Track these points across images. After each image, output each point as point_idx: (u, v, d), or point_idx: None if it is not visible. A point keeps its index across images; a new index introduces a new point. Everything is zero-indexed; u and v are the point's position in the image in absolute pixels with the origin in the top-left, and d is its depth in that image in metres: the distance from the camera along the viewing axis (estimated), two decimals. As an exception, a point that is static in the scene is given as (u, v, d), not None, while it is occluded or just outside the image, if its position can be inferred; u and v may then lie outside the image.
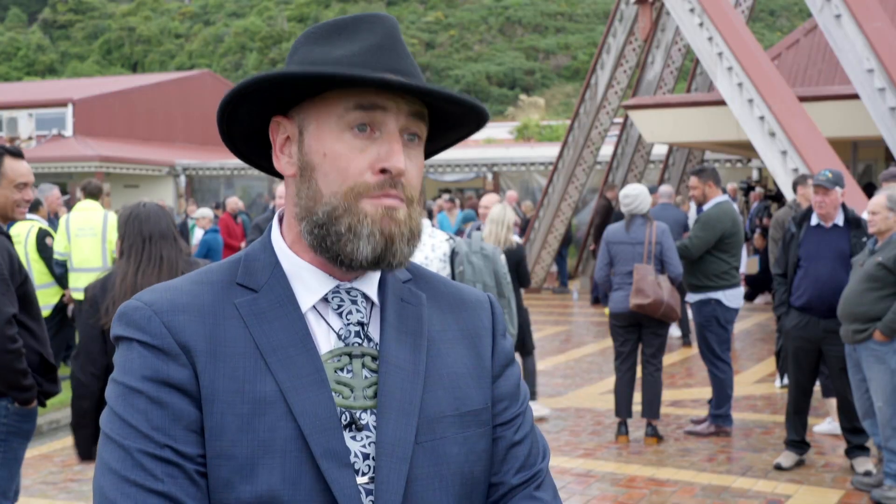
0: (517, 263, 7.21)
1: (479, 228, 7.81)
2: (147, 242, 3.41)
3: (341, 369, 1.24)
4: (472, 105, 1.27)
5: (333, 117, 1.22)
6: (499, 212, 7.20)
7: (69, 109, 29.73)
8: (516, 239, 7.39)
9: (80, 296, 7.67)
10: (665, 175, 17.63)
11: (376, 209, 1.22)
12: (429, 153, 1.38)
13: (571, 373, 9.64)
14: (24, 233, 8.07)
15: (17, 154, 3.77)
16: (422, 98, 1.25)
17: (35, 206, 8.85)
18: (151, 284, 3.27)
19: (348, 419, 1.21)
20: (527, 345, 7.55)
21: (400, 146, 1.22)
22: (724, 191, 11.40)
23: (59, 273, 8.12)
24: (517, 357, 6.92)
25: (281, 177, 1.32)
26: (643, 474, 6.08)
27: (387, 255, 1.23)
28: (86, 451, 3.54)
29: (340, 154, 1.22)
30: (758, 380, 9.07)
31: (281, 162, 1.29)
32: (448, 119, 1.32)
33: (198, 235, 12.63)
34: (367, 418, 1.22)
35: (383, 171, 1.21)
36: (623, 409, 6.90)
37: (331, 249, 1.23)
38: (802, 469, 6.17)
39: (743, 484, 5.87)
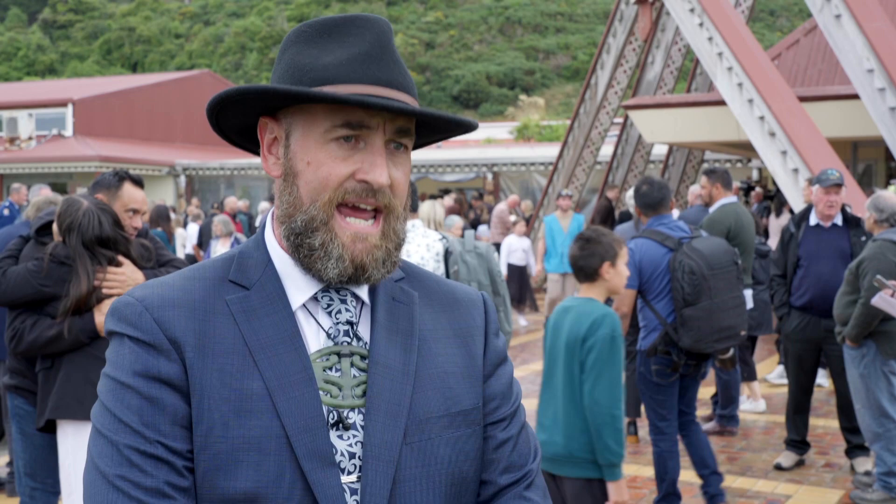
0: None
1: (475, 226, 7.79)
2: (89, 248, 3.51)
3: (330, 368, 1.24)
4: (458, 122, 1.28)
5: (320, 129, 1.23)
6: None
7: (69, 109, 29.74)
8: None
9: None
10: (665, 175, 17.62)
11: (345, 233, 1.22)
12: (418, 146, 1.39)
13: (571, 373, 9.63)
14: None
15: (138, 182, 3.82)
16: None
17: None
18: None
19: (336, 418, 1.21)
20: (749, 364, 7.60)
21: (384, 160, 1.23)
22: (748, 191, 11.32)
23: None
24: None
25: None
26: (643, 474, 6.08)
27: (357, 277, 1.24)
28: None
29: (323, 163, 1.23)
30: (758, 380, 9.06)
31: (268, 162, 1.30)
32: (435, 125, 1.33)
33: (183, 235, 12.72)
34: (355, 417, 1.22)
35: (364, 181, 1.22)
36: (632, 408, 6.90)
37: (303, 261, 1.24)
38: (802, 469, 6.17)
39: (743, 484, 5.87)
